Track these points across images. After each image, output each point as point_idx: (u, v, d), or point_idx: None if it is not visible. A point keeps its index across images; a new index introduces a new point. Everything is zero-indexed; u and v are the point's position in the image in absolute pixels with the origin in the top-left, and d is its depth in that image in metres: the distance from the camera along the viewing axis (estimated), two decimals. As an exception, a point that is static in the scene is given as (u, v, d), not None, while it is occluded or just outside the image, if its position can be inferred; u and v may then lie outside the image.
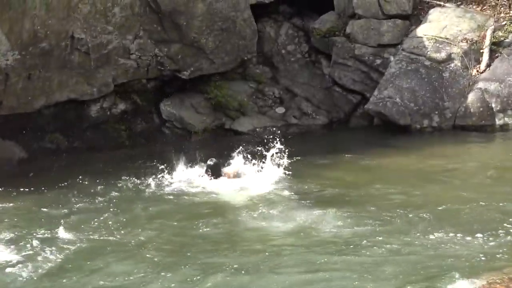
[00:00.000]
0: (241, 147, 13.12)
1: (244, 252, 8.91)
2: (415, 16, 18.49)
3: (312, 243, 9.12)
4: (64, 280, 8.08)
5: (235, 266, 8.34)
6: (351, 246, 8.90)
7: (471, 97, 16.45)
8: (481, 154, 14.68)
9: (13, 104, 14.74)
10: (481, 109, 16.34)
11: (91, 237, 9.62)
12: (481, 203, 10.50)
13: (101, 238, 9.59)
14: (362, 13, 18.35)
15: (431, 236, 9.07)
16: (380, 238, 9.13)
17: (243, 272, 8.16)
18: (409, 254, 8.48)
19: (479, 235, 8.99)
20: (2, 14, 13.70)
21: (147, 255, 8.80)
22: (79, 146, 15.79)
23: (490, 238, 8.89)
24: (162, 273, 8.17)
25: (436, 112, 16.53)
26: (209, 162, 12.61)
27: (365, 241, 9.07)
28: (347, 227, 9.73)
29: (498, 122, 16.26)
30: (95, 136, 16.12)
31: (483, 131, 16.15)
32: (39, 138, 15.48)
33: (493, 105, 16.32)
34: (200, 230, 9.89)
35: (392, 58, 17.73)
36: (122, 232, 9.79)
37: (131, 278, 8.10)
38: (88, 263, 8.59)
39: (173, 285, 7.85)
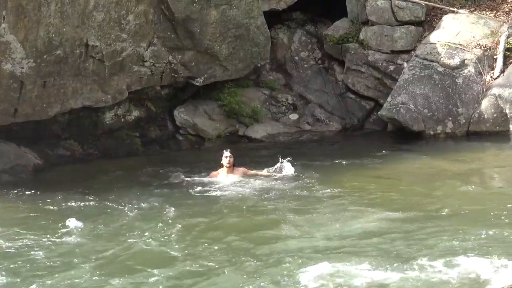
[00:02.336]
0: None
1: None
2: (428, 22, 18.52)
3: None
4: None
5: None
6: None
7: (485, 103, 16.43)
8: (496, 159, 14.63)
9: (28, 111, 14.79)
10: (495, 115, 16.32)
11: (113, 243, 9.54)
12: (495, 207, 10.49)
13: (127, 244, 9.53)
14: (375, 20, 18.39)
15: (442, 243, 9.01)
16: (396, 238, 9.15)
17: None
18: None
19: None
20: (17, 22, 13.78)
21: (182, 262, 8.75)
22: (94, 153, 15.82)
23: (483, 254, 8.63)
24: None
25: (450, 118, 16.52)
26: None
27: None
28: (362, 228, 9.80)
29: (512, 128, 16.27)
30: (109, 143, 16.15)
31: (497, 137, 16.13)
32: (54, 145, 15.52)
33: (507, 111, 16.29)
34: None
35: (405, 64, 17.73)
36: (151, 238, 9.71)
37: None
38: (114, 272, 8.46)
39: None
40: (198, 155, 15.99)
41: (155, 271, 8.23)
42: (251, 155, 14.96)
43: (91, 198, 11.91)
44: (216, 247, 9.11)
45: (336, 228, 9.84)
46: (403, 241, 9.05)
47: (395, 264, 8.15)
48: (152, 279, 8.02)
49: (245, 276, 8.00)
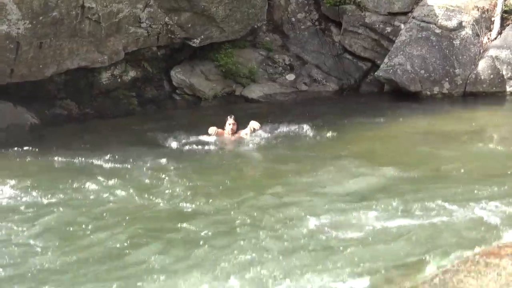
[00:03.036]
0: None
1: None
2: (426, -16, 18.44)
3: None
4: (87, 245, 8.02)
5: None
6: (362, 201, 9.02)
7: (482, 64, 16.46)
8: (493, 118, 14.69)
9: (24, 72, 14.76)
10: (491, 76, 16.36)
11: (112, 198, 9.55)
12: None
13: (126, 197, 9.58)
14: (372, -19, 18.33)
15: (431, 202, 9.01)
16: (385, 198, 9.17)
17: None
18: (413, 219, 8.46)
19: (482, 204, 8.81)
20: (13, -17, 13.72)
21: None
22: (90, 112, 15.84)
23: (492, 206, 8.68)
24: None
25: (447, 79, 16.55)
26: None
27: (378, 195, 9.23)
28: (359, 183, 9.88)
29: (509, 88, 16.36)
30: (106, 103, 16.18)
31: (493, 97, 16.19)
32: (50, 105, 15.55)
33: (504, 72, 16.34)
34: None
35: (402, 26, 17.74)
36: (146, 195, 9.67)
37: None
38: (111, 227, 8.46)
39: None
40: (194, 114, 16.00)
41: (185, 225, 8.33)
42: (248, 114, 14.91)
43: (93, 155, 11.81)
44: (228, 203, 9.16)
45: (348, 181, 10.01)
46: (410, 194, 9.14)
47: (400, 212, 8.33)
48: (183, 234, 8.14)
49: (261, 230, 8.07)
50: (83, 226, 8.36)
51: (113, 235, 8.04)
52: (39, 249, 7.69)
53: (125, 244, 7.78)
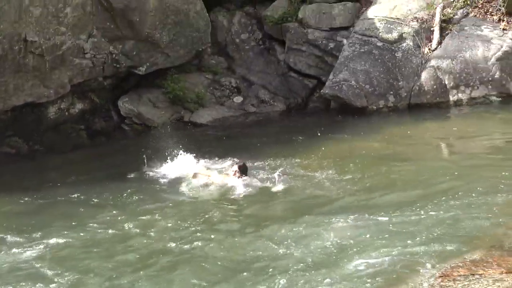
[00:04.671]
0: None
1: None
2: (365, -3, 18.75)
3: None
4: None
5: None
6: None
7: (425, 75, 16.72)
8: (437, 130, 14.91)
9: (-31, 110, 14.64)
10: (434, 86, 16.63)
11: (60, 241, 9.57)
12: (441, 181, 10.83)
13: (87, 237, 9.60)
14: (313, -2, 18.58)
15: (385, 217, 9.37)
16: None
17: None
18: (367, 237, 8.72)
19: (448, 214, 9.23)
20: (-47, 21, 13.58)
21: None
22: (39, 149, 15.63)
23: (457, 220, 9.07)
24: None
25: (391, 92, 16.79)
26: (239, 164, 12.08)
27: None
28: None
29: (452, 98, 16.55)
30: (55, 138, 16.00)
31: (438, 108, 16.44)
32: (-2, 144, 15.41)
33: (446, 82, 16.60)
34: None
35: (345, 41, 17.93)
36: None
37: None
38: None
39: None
40: (144, 144, 15.92)
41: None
42: (198, 140, 14.95)
43: (38, 195, 11.81)
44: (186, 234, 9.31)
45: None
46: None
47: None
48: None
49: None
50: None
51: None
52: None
53: None
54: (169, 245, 9.09)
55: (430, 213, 9.37)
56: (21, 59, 14.83)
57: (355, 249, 8.36)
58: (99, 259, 8.71)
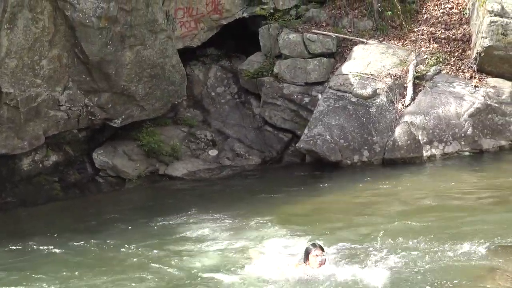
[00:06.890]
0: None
1: None
2: (340, 53, 18.99)
3: None
4: None
5: None
6: None
7: (398, 130, 16.85)
8: (409, 185, 14.97)
9: None
10: (408, 142, 16.75)
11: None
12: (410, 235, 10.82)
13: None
14: (288, 53, 18.79)
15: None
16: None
17: None
18: None
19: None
20: None
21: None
22: (12, 201, 15.56)
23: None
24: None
25: (366, 147, 16.88)
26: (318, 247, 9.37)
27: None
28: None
29: (426, 153, 16.64)
30: (28, 190, 15.93)
31: (411, 163, 16.52)
32: (-30, 196, 15.28)
33: (420, 138, 16.73)
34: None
35: (320, 96, 18.08)
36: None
37: None
38: None
39: None
40: (119, 197, 15.92)
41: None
42: (173, 194, 14.93)
43: (13, 248, 11.66)
44: None
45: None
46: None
47: None
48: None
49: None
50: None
51: None
52: None
53: None
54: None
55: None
56: (-4, 110, 14.79)
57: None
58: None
